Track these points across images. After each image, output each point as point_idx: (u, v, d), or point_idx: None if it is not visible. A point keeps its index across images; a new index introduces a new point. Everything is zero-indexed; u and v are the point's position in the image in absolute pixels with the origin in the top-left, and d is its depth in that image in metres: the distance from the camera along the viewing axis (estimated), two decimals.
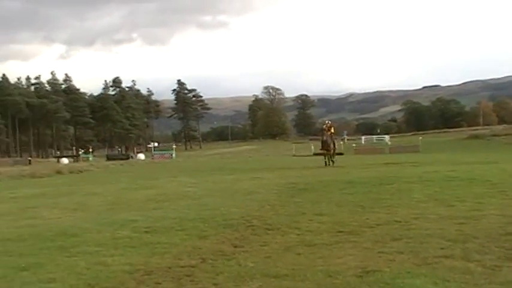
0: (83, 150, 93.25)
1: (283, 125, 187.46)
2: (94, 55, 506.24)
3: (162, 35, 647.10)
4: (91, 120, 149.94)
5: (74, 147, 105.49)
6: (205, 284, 6.86)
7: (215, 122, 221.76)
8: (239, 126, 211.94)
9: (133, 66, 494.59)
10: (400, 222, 10.48)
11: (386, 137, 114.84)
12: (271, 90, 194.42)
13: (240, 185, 20.80)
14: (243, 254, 8.56)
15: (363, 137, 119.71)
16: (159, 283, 7.00)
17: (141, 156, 75.65)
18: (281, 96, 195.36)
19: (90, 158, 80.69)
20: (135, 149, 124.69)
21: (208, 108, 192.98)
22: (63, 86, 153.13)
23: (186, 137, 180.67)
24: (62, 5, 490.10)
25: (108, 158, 75.20)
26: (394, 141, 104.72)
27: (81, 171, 41.95)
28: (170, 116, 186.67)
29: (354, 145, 78.57)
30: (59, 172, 40.74)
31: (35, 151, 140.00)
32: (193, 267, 7.75)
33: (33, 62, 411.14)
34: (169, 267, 7.76)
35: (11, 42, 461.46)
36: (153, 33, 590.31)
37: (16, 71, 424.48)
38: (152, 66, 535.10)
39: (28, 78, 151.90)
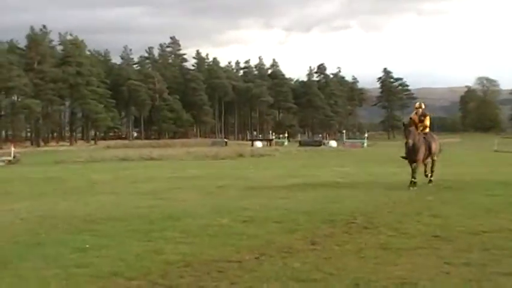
0: (279, 136, 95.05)
1: (496, 118, 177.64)
2: (310, 41, 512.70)
3: (379, 23, 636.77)
4: (293, 106, 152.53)
5: (270, 132, 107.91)
6: (220, 284, 6.53)
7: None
8: (451, 118, 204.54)
9: (346, 53, 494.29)
10: None
11: None
12: (485, 82, 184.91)
13: (389, 178, 20.05)
14: (307, 252, 8.19)
15: None
16: (182, 277, 6.83)
17: (333, 143, 75.34)
18: (496, 88, 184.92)
19: (285, 143, 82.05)
20: (327, 135, 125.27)
21: (414, 98, 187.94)
22: (269, 71, 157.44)
23: (389, 127, 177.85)
24: None
25: (301, 144, 75.81)
26: None
27: (262, 156, 42.68)
28: (374, 105, 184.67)
29: None
30: (240, 155, 41.84)
31: (240, 133, 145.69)
32: (239, 262, 7.50)
33: (251, 46, 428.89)
34: (216, 261, 7.56)
35: (234, 28, 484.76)
36: (371, 21, 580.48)
37: (236, 55, 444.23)
38: (365, 54, 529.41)
39: (237, 63, 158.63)
